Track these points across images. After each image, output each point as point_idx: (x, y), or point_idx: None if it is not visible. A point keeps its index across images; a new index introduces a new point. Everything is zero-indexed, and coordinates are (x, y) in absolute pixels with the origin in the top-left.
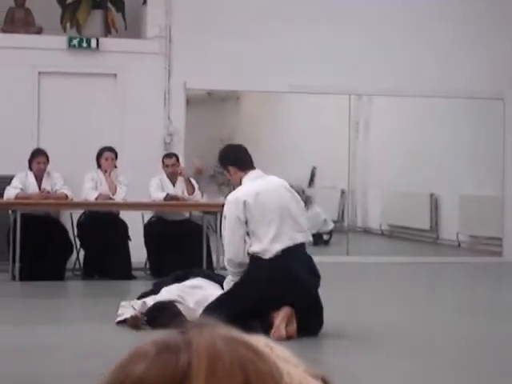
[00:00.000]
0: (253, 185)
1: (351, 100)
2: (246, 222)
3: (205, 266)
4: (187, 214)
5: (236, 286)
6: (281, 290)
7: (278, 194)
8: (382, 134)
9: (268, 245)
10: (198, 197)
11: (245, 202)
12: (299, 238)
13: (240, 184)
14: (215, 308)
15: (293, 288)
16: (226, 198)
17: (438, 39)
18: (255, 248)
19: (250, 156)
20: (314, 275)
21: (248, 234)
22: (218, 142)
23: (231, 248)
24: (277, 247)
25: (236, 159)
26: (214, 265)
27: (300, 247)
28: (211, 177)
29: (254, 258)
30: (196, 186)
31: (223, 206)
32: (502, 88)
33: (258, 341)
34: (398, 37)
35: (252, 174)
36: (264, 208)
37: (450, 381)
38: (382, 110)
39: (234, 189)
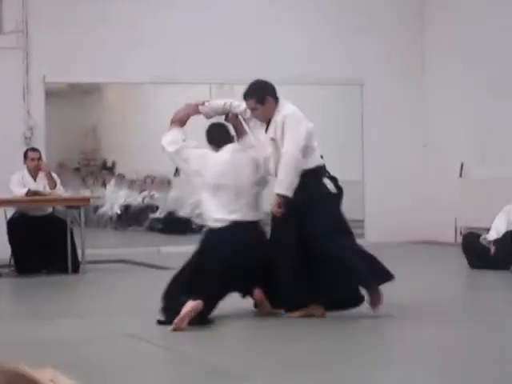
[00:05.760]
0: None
1: (212, 89)
2: None
3: (70, 260)
4: (50, 209)
5: None
6: None
7: None
8: None
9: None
10: (60, 191)
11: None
12: None
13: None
14: None
15: None
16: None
17: (302, 27)
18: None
19: None
20: None
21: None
22: (80, 134)
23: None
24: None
25: None
26: (80, 258)
27: None
28: (75, 170)
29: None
30: (58, 180)
31: (86, 199)
32: (361, 74)
33: (44, 375)
34: (260, 24)
35: None
36: None
37: None
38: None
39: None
